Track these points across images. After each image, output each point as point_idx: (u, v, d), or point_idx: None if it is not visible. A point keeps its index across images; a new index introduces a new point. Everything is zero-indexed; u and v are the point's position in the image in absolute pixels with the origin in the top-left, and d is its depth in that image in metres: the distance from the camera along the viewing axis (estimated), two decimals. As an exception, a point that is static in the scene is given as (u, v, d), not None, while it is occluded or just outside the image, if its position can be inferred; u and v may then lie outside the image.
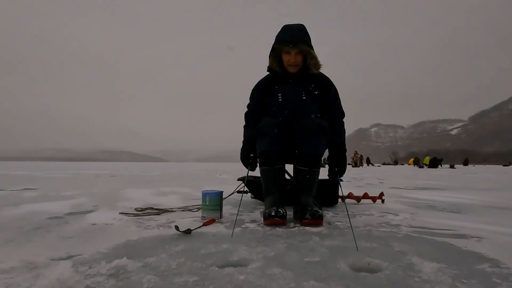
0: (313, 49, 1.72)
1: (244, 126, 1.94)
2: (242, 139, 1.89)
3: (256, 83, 1.94)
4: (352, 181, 5.26)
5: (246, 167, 1.78)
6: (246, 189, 2.43)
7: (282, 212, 1.53)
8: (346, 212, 1.52)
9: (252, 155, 1.76)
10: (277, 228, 1.45)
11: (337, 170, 1.75)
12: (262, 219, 1.59)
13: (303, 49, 1.69)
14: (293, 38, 1.68)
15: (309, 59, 1.74)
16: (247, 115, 1.94)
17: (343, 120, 1.88)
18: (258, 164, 1.77)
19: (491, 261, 0.98)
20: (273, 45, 1.74)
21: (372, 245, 1.14)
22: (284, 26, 1.74)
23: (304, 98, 1.78)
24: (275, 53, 1.78)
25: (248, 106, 1.96)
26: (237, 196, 2.53)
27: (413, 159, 24.30)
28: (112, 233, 1.36)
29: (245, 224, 1.57)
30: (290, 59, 1.72)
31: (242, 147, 1.86)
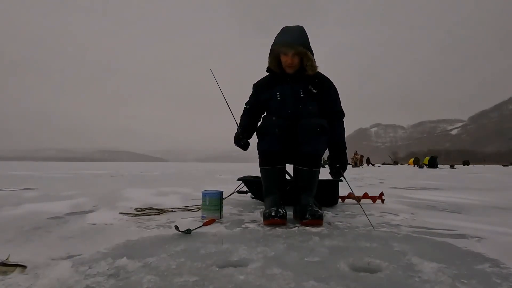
0: (310, 51, 1.75)
1: (241, 116, 1.97)
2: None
3: (257, 81, 1.99)
4: (352, 181, 5.26)
5: (240, 147, 1.82)
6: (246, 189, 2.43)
7: (282, 212, 1.53)
8: (360, 209, 1.52)
9: (242, 137, 1.79)
10: (277, 228, 1.44)
11: (339, 167, 1.76)
12: (262, 219, 1.59)
13: (300, 50, 1.72)
14: (291, 40, 1.71)
15: (305, 60, 1.77)
16: (245, 106, 1.98)
17: (343, 119, 1.89)
18: (246, 144, 1.81)
19: (491, 261, 0.97)
20: (271, 46, 1.77)
21: (372, 245, 1.14)
22: (283, 28, 1.77)
23: (302, 96, 1.80)
24: (274, 54, 1.80)
25: (249, 97, 2.00)
26: (237, 196, 2.54)
27: (413, 159, 24.29)
28: (112, 233, 1.36)
29: (245, 224, 1.57)
30: (287, 60, 1.76)
31: (236, 132, 1.87)
